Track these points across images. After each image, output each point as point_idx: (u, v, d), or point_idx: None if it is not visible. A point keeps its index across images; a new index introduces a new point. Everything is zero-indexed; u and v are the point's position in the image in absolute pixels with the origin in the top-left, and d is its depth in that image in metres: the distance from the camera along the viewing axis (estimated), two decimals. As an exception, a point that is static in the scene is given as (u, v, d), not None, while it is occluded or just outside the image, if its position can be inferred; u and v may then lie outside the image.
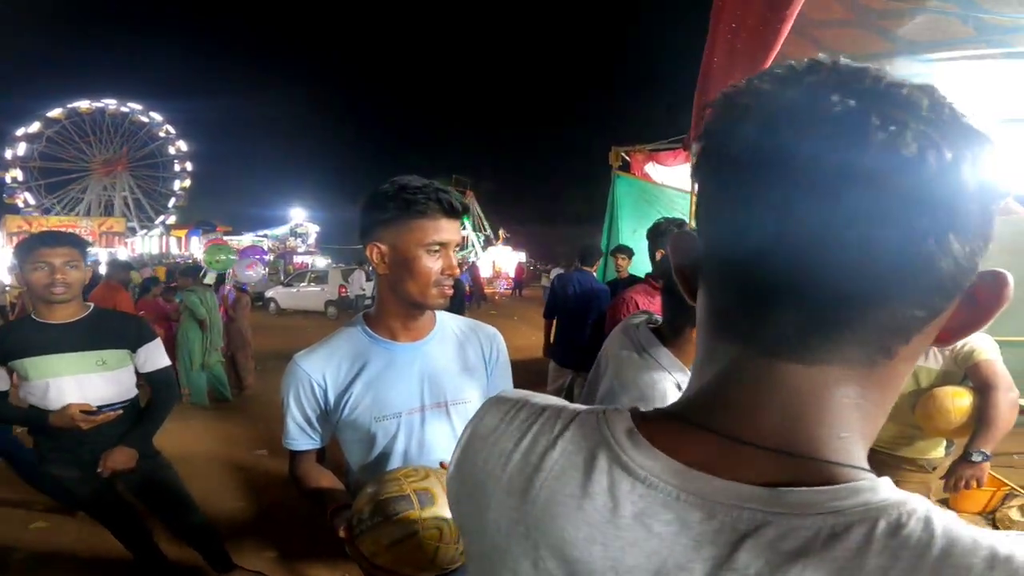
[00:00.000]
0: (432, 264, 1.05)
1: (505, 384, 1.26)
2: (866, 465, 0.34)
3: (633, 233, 4.58)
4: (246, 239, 26.62)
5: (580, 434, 0.38)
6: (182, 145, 37.92)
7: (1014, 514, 3.17)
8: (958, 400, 1.78)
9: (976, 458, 1.77)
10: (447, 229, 1.06)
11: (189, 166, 38.43)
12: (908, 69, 2.23)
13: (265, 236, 30.72)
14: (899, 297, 0.31)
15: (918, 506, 0.30)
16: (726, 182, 0.33)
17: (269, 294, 14.03)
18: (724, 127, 0.33)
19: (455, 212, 1.06)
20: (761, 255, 0.31)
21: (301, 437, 1.13)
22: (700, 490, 0.32)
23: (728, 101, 0.34)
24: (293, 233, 38.35)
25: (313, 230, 40.81)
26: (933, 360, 1.90)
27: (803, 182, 0.29)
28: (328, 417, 1.12)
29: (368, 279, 12.87)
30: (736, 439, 0.33)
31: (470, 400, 1.18)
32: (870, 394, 0.34)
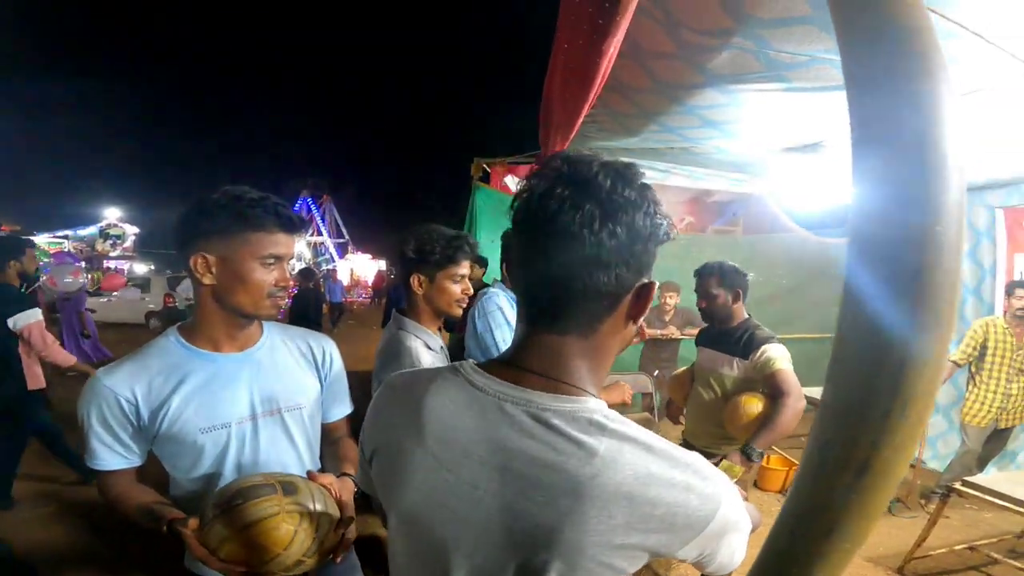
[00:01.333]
0: (267, 276, 1.08)
1: (342, 389, 1.34)
2: (590, 388, 0.62)
3: (492, 243, 4.74)
4: (41, 240, 22.00)
5: (449, 372, 0.68)
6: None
7: None
8: (749, 407, 2.09)
9: (754, 457, 1.96)
10: (284, 243, 1.09)
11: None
12: (715, 99, 2.62)
13: (66, 238, 25.62)
14: (589, 300, 0.60)
15: (606, 412, 0.60)
16: (515, 234, 0.64)
17: (41, 282, 11.60)
18: (516, 202, 0.62)
19: (293, 227, 1.10)
20: (526, 278, 0.63)
21: (110, 456, 1.08)
22: (508, 394, 0.61)
23: (523, 183, 0.62)
24: (103, 234, 32.64)
25: (131, 232, 35.18)
26: (737, 369, 2.21)
27: (536, 242, 0.60)
28: (143, 433, 1.08)
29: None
30: (527, 370, 0.62)
31: (304, 405, 1.21)
32: (589, 351, 0.63)
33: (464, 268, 1.60)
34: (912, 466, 3.77)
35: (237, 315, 1.11)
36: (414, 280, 1.60)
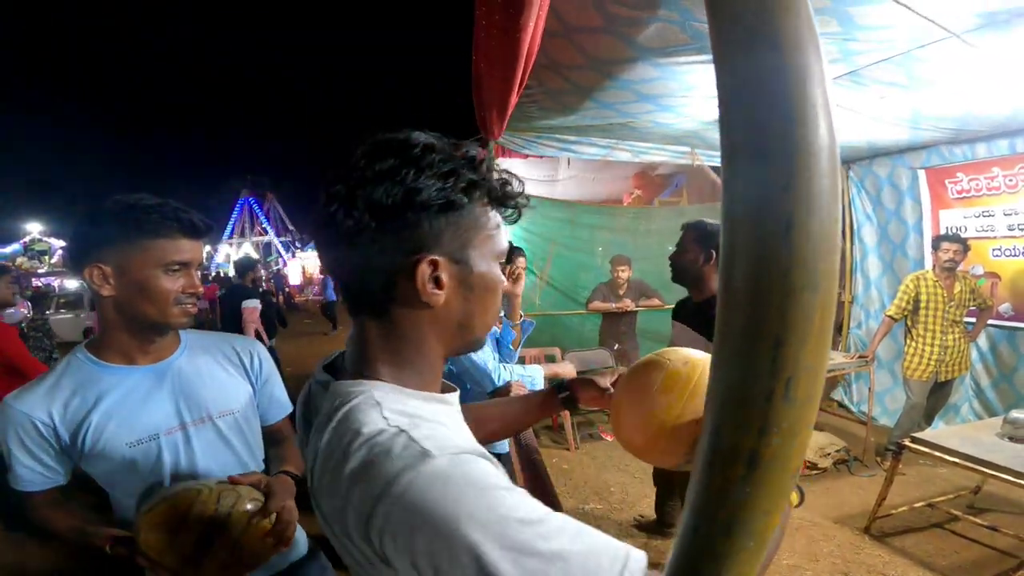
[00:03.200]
0: (171, 284, 1.06)
1: (276, 390, 1.33)
2: (380, 375, 0.59)
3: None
4: (-49, 261, 20.23)
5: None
6: None
7: None
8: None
9: None
10: (188, 249, 1.08)
11: None
12: (647, 73, 2.62)
13: (-17, 257, 23.65)
14: (365, 289, 0.59)
15: (373, 395, 0.56)
16: None
17: None
18: None
19: (197, 232, 1.08)
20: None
21: (36, 477, 1.07)
22: (333, 387, 0.61)
23: None
24: (27, 251, 30.40)
25: (58, 245, 32.97)
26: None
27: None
28: (65, 454, 1.08)
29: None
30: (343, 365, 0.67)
31: (236, 410, 1.21)
32: (389, 333, 0.60)
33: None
34: (863, 423, 3.98)
35: (144, 326, 1.09)
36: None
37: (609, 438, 4.39)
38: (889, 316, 3.70)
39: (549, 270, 5.18)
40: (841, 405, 4.85)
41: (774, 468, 0.23)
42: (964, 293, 3.52)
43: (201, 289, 1.11)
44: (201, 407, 1.15)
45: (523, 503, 0.46)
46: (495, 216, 0.61)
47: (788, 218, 0.19)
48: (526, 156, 4.63)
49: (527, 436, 1.73)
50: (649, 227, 5.75)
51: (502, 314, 2.42)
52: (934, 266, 3.57)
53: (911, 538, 2.77)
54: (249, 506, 1.02)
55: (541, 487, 1.32)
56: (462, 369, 1.78)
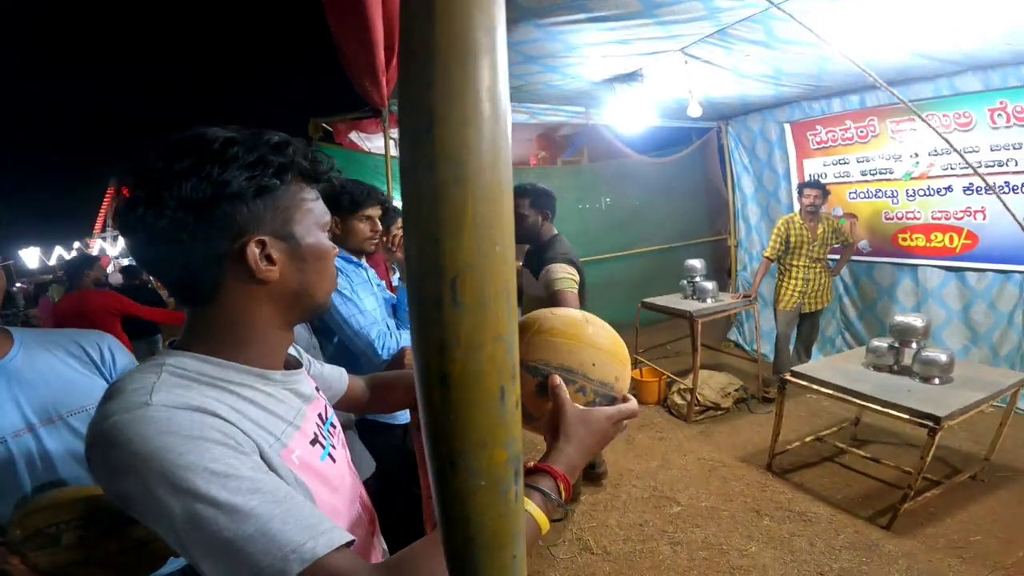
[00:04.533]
0: None
1: None
2: (191, 348, 0.64)
3: (340, 203, 4.48)
4: None
5: None
6: None
7: (676, 398, 3.84)
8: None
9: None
10: None
11: None
12: (529, 34, 2.62)
13: None
14: (193, 280, 0.62)
15: (165, 360, 0.61)
16: None
17: None
18: None
19: None
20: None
21: None
22: None
23: None
24: None
25: None
26: (540, 289, 2.31)
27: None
28: None
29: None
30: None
31: (91, 406, 1.12)
32: (216, 317, 0.64)
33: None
34: (754, 360, 4.27)
35: None
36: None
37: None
38: (766, 257, 4.05)
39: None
40: (737, 345, 5.27)
41: (468, 389, 0.23)
42: (827, 233, 3.92)
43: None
44: (50, 408, 1.09)
45: (226, 458, 0.53)
46: (311, 191, 0.68)
47: (430, 114, 0.20)
48: (425, 122, 4.51)
49: None
50: (559, 186, 5.85)
51: (397, 278, 2.37)
52: (800, 210, 3.95)
53: (808, 473, 2.96)
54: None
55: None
56: (347, 340, 1.74)
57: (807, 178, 4.49)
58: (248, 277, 0.62)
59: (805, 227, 3.90)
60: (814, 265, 3.91)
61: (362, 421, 1.94)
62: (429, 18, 0.19)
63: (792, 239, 3.91)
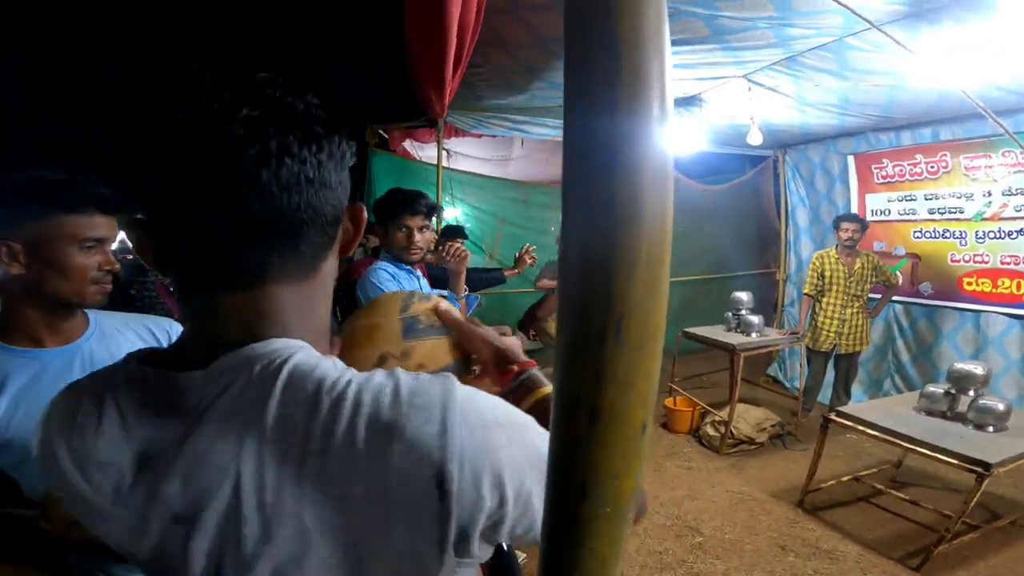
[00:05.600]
0: (87, 261, 1.03)
1: None
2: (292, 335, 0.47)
3: (392, 209, 4.59)
4: None
5: None
6: None
7: (710, 430, 3.75)
8: None
9: None
10: (103, 225, 1.05)
11: None
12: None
13: None
14: (313, 234, 0.47)
15: (292, 354, 0.44)
16: (166, 184, 0.45)
17: None
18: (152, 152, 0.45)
19: (110, 207, 1.06)
20: (199, 232, 0.46)
21: None
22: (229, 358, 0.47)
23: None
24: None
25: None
26: None
27: (224, 180, 0.43)
28: None
29: None
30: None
31: None
32: (305, 302, 0.50)
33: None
34: (795, 398, 4.11)
35: (57, 305, 1.05)
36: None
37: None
38: (806, 294, 3.91)
39: (499, 248, 5.18)
40: (776, 381, 5.09)
41: (615, 422, 0.23)
42: (865, 269, 3.72)
43: (117, 267, 1.08)
44: None
45: None
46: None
47: (613, 153, 0.20)
48: (479, 136, 4.58)
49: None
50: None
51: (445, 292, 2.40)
52: (837, 244, 3.79)
53: (841, 512, 2.89)
54: None
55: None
56: None
57: (868, 214, 4.32)
58: (337, 252, 0.56)
59: (841, 262, 3.75)
60: (851, 304, 3.74)
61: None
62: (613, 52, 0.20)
63: (827, 274, 3.77)
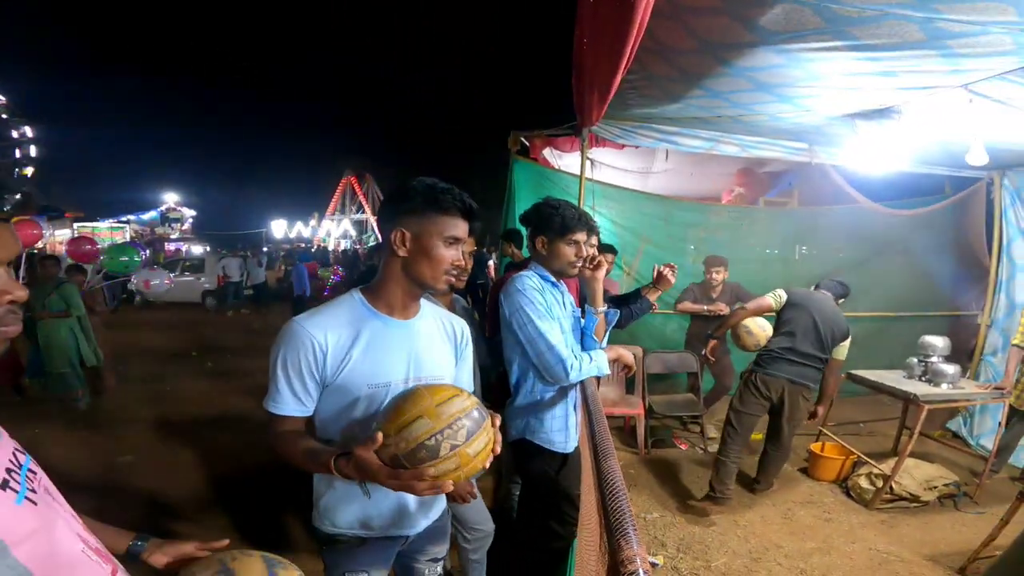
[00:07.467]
0: (447, 254, 1.22)
1: (467, 370, 1.43)
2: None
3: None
4: (103, 226, 23.35)
5: None
6: (27, 131, 31.52)
7: (863, 481, 3.29)
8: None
9: None
10: (462, 228, 1.23)
11: (33, 151, 32.12)
12: (768, 60, 2.33)
13: (127, 222, 26.86)
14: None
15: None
16: None
17: (133, 284, 11.61)
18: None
19: (471, 214, 1.24)
20: None
21: (291, 402, 1.19)
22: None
23: None
24: (163, 218, 34.27)
25: (189, 214, 36.92)
26: None
27: None
28: (321, 381, 1.20)
29: (244, 266, 12.42)
30: None
31: (443, 378, 1.30)
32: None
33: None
34: (979, 456, 3.55)
35: (416, 286, 1.25)
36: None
37: (683, 446, 4.13)
38: (1015, 344, 3.21)
39: (638, 266, 4.92)
40: (956, 436, 4.25)
41: None
42: None
43: (465, 264, 1.28)
44: (421, 367, 1.26)
45: None
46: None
47: None
48: (622, 146, 4.38)
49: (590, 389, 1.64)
50: (752, 228, 5.29)
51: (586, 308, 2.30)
52: None
53: None
54: (475, 413, 1.02)
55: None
56: (536, 353, 1.77)
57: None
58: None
59: None
60: None
61: (520, 441, 1.89)
62: None
63: None
